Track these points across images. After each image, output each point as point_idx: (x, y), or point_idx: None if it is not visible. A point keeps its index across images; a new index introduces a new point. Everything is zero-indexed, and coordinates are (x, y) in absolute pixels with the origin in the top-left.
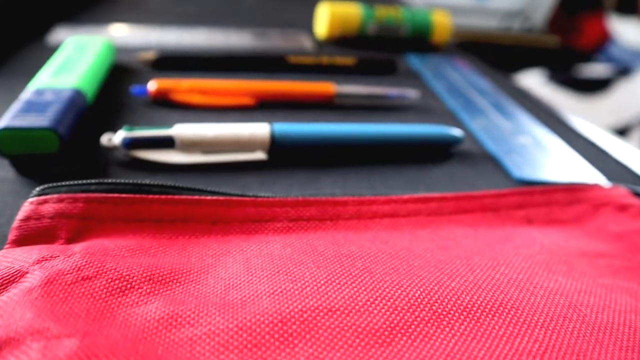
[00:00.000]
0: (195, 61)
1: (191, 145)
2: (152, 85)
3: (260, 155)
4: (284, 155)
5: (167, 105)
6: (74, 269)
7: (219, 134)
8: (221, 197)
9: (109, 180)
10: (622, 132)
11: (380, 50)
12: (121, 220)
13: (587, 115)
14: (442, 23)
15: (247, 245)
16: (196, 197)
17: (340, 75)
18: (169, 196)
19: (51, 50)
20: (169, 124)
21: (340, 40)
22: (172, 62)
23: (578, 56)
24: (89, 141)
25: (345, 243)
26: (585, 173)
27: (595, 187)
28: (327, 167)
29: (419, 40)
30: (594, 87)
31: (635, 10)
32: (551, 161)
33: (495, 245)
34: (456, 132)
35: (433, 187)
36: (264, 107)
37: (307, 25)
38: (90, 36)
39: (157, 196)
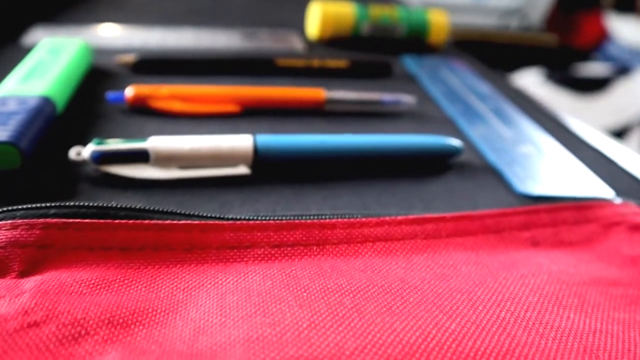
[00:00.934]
0: (179, 64)
1: (167, 160)
2: (130, 92)
3: (242, 170)
4: (269, 170)
5: (146, 113)
6: (19, 312)
7: (197, 147)
8: (196, 222)
9: (71, 203)
10: (622, 132)
11: (374, 51)
12: (84, 248)
13: (586, 116)
14: (440, 23)
15: (223, 276)
16: (168, 221)
17: (332, 79)
18: (138, 221)
19: (26, 52)
20: (147, 134)
21: (333, 41)
22: (153, 65)
23: (576, 55)
24: (57, 155)
25: (333, 274)
26: (593, 185)
27: (605, 203)
28: (316, 182)
29: (416, 40)
30: (593, 86)
31: (633, 9)
32: (556, 173)
33: (500, 274)
34: (455, 142)
35: (430, 203)
36: (249, 114)
37: (298, 25)
38: (66, 38)
39: (124, 221)
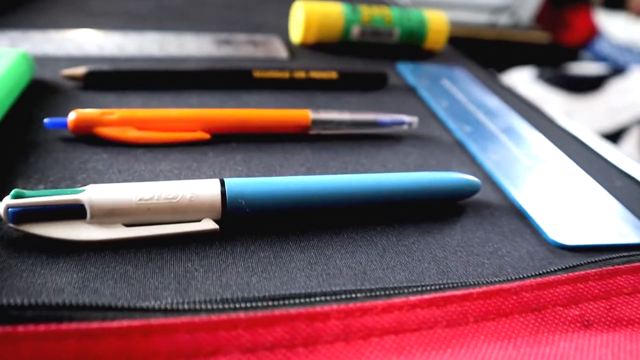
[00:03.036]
0: (138, 78)
1: (109, 216)
2: (72, 117)
3: (208, 225)
4: (242, 223)
5: (93, 142)
6: None
7: (149, 197)
8: (136, 321)
9: None
10: (618, 134)
11: (366, 57)
12: None
13: (580, 117)
14: (439, 25)
15: None
16: (96, 323)
17: (319, 93)
18: (52, 325)
19: None
20: (91, 171)
21: (319, 47)
22: (107, 80)
23: (566, 52)
24: None
25: None
26: (634, 226)
27: None
28: (302, 238)
29: (412, 45)
30: (586, 86)
31: (622, 5)
32: (588, 210)
33: None
34: (473, 180)
35: (445, 263)
36: (220, 140)
37: (280, 28)
38: (1, 47)
39: (32, 326)
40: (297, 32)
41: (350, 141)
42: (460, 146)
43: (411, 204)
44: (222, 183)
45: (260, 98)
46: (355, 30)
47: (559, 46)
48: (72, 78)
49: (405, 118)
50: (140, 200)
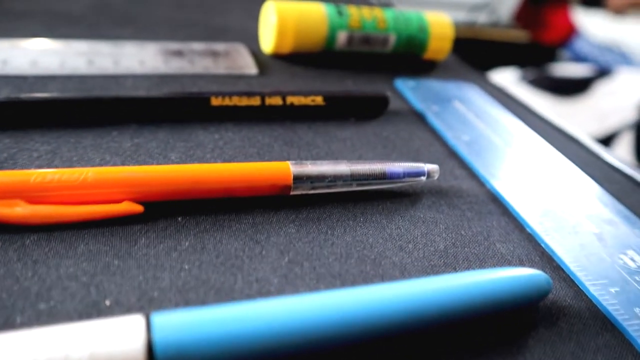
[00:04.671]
0: (46, 110)
1: None
2: None
3: None
4: None
5: None
6: None
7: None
8: None
9: None
10: (609, 139)
11: (356, 71)
12: None
13: (569, 121)
14: (442, 30)
15: None
16: None
17: (301, 124)
18: None
19: None
20: None
21: (298, 58)
22: (5, 114)
23: (546, 52)
24: None
25: None
26: None
27: None
28: None
29: (411, 54)
30: (572, 88)
31: (600, 3)
32: None
33: None
34: (543, 279)
35: None
36: (158, 213)
37: (248, 34)
38: None
39: None
40: (268, 40)
41: (350, 203)
42: (501, 204)
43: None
44: (148, 323)
45: (221, 136)
46: (342, 37)
47: (538, 45)
48: None
49: (424, 166)
50: None
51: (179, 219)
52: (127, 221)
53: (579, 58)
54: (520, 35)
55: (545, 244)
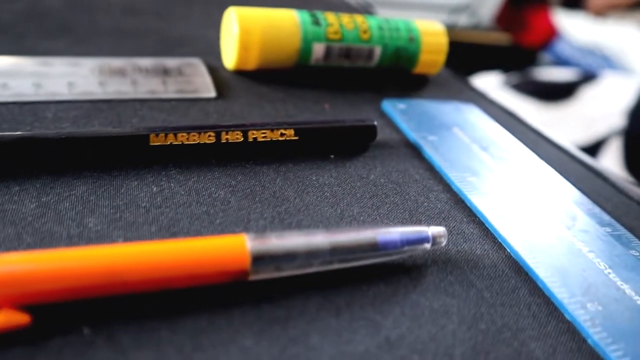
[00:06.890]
0: None
1: None
2: None
3: None
4: None
5: None
6: None
7: None
8: None
9: None
10: (596, 146)
11: (335, 90)
12: None
13: (556, 128)
14: (435, 40)
15: None
16: None
17: (267, 165)
18: None
19: None
20: None
21: (266, 75)
22: None
23: (527, 54)
24: None
25: None
26: None
27: None
28: None
29: (399, 69)
30: (557, 93)
31: (581, 5)
32: None
33: None
34: None
35: None
36: (51, 321)
37: (207, 46)
38: None
39: None
40: (230, 54)
41: (331, 289)
42: (528, 277)
43: None
44: None
45: (161, 189)
46: (318, 50)
47: (519, 48)
48: None
49: (428, 230)
50: None
51: (85, 330)
52: (6, 340)
53: (560, 61)
54: (501, 37)
55: (595, 342)
